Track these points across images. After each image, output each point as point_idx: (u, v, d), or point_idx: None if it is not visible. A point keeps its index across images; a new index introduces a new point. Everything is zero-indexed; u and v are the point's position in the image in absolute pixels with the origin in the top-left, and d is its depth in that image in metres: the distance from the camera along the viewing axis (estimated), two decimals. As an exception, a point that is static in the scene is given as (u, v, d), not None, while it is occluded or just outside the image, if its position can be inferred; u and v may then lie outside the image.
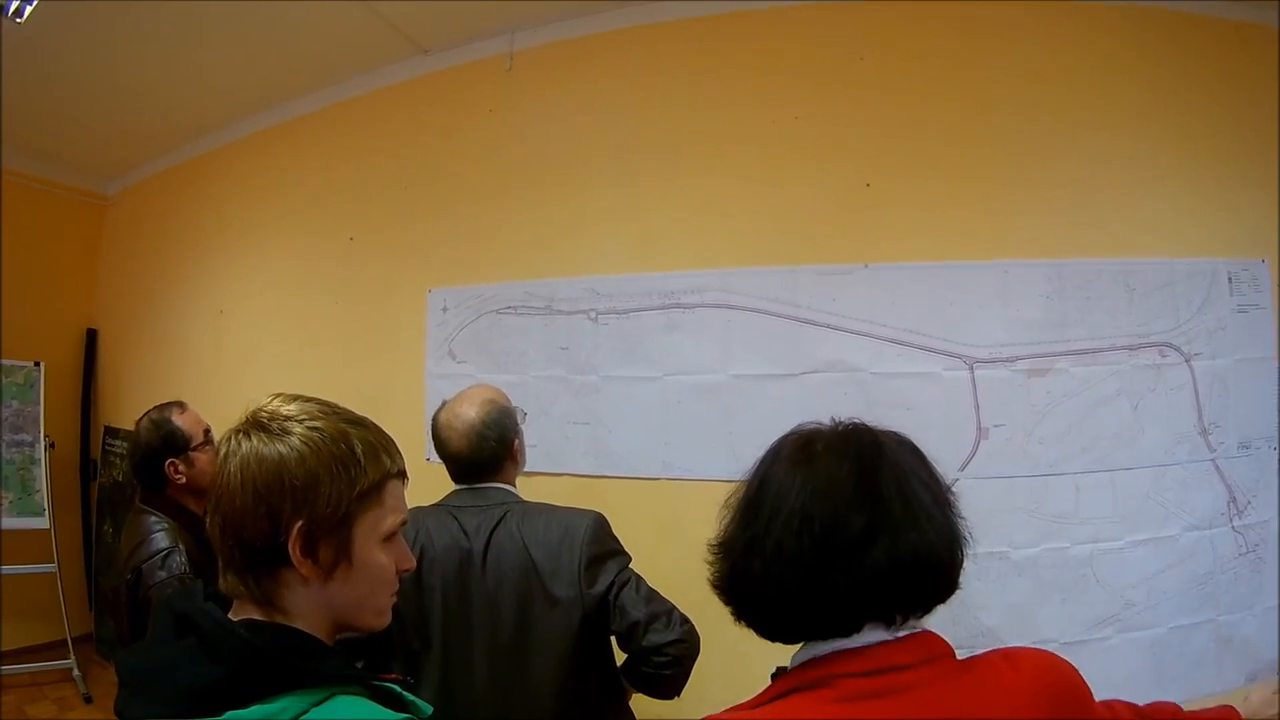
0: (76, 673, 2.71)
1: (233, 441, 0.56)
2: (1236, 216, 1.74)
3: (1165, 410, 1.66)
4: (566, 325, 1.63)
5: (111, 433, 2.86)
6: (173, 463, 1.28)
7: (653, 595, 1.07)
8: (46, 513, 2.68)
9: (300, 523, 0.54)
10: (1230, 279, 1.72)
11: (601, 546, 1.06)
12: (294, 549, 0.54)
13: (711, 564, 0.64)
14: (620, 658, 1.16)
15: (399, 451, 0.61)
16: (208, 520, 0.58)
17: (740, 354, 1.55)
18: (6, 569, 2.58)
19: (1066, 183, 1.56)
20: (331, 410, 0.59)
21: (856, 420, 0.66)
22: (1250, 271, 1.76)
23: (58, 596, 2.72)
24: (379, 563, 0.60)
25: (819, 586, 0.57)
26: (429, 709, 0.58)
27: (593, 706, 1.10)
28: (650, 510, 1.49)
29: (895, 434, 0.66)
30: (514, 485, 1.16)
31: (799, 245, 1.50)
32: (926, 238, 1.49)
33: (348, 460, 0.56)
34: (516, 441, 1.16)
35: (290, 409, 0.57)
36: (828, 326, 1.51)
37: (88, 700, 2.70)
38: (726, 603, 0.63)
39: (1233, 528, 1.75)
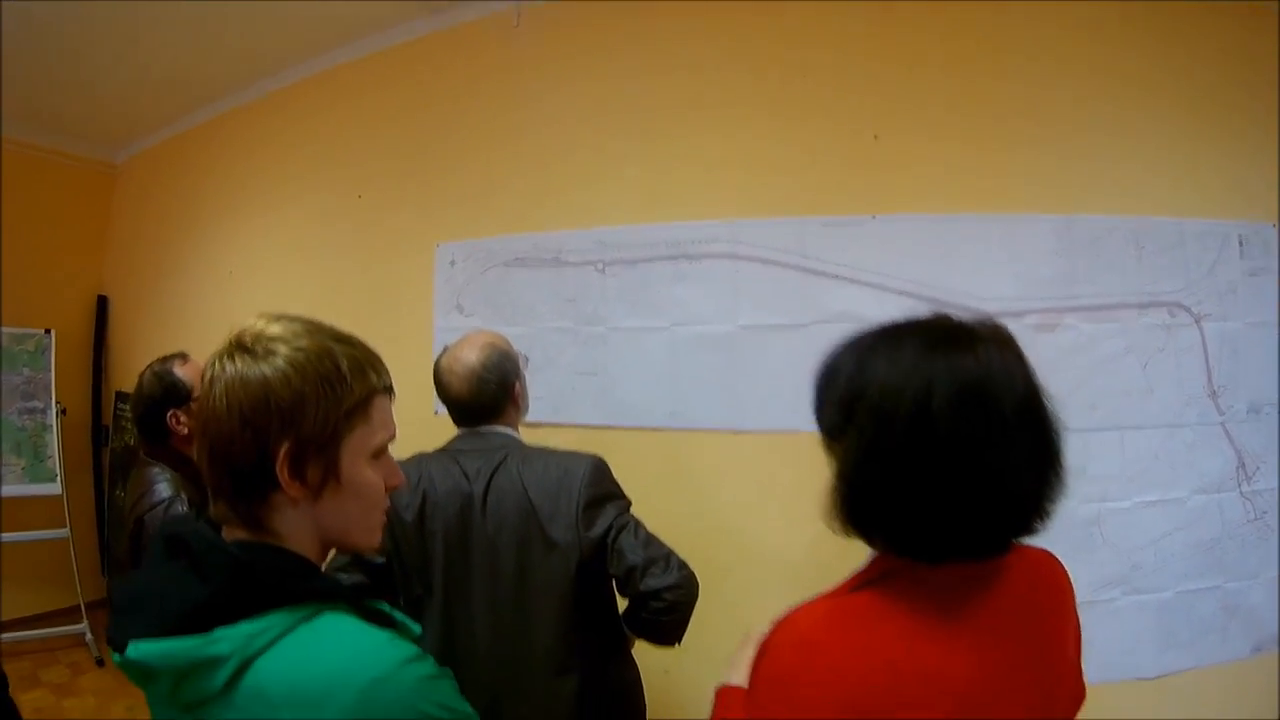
0: (89, 636, 2.75)
1: (217, 365, 0.55)
2: (1245, 179, 1.73)
3: (1174, 371, 1.65)
4: (574, 277, 1.64)
5: (123, 398, 2.89)
6: (174, 413, 1.30)
7: (651, 540, 1.06)
8: (59, 479, 2.71)
9: (287, 444, 0.54)
10: (1241, 241, 1.71)
11: (600, 489, 1.06)
12: (281, 471, 0.54)
13: (853, 484, 0.59)
14: (623, 606, 1.15)
15: (385, 368, 0.61)
16: (195, 448, 0.58)
17: (748, 305, 1.55)
18: (19, 535, 2.61)
19: (1076, 139, 1.56)
20: (317, 328, 0.59)
21: (989, 318, 0.63)
22: (1260, 235, 1.75)
23: (70, 562, 2.76)
24: (368, 481, 0.59)
25: (996, 494, 0.55)
26: (417, 628, 0.59)
27: (593, 651, 1.10)
28: (656, 459, 1.49)
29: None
30: (516, 429, 1.17)
31: (807, 197, 1.51)
32: (934, 190, 1.50)
33: (333, 378, 0.56)
34: (518, 385, 1.17)
35: (275, 329, 0.56)
36: (835, 277, 1.51)
37: (100, 664, 2.74)
38: (872, 524, 0.59)
39: (1241, 493, 1.75)
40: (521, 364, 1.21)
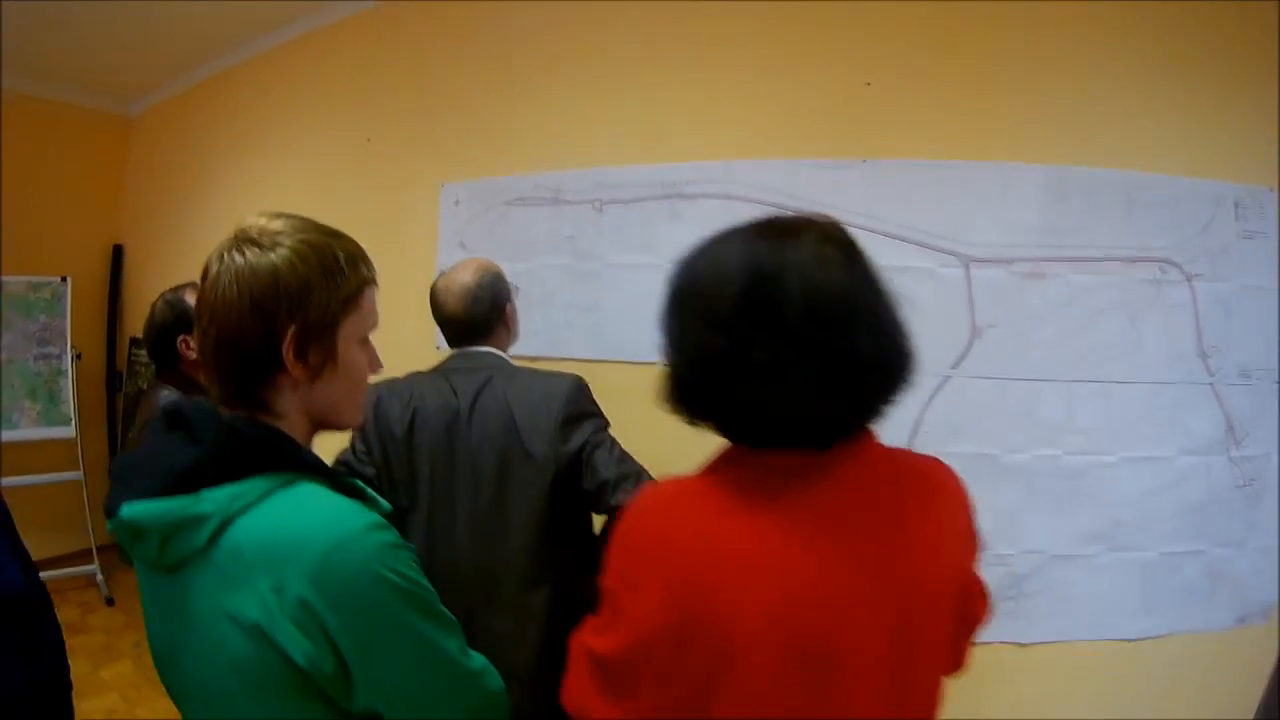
0: (99, 577, 2.84)
1: (226, 258, 0.59)
2: (1243, 142, 1.72)
3: (1164, 327, 1.66)
4: (572, 215, 1.68)
5: (137, 344, 3.00)
6: (184, 339, 1.36)
7: (625, 457, 1.09)
8: (73, 422, 2.81)
9: (294, 328, 0.59)
10: (1236, 204, 1.71)
11: (578, 407, 1.10)
12: (288, 353, 0.59)
13: (677, 369, 0.61)
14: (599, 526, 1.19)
15: (371, 261, 0.66)
16: (198, 335, 0.61)
17: None
18: (33, 479, 2.71)
19: (1070, 90, 1.58)
20: (314, 225, 0.63)
21: (827, 216, 0.65)
22: (1256, 198, 1.74)
23: (83, 505, 2.85)
24: (358, 363, 0.65)
25: (818, 380, 0.55)
26: (387, 506, 0.64)
27: (566, 565, 1.12)
28: (648, 393, 1.53)
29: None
30: (505, 351, 1.21)
31: (800, 140, 1.54)
32: (926, 136, 1.52)
33: (334, 268, 0.61)
34: (509, 307, 1.22)
35: (277, 225, 0.61)
36: None
37: (110, 603, 2.83)
38: (692, 410, 0.62)
39: (1229, 457, 1.75)
40: (513, 293, 1.26)
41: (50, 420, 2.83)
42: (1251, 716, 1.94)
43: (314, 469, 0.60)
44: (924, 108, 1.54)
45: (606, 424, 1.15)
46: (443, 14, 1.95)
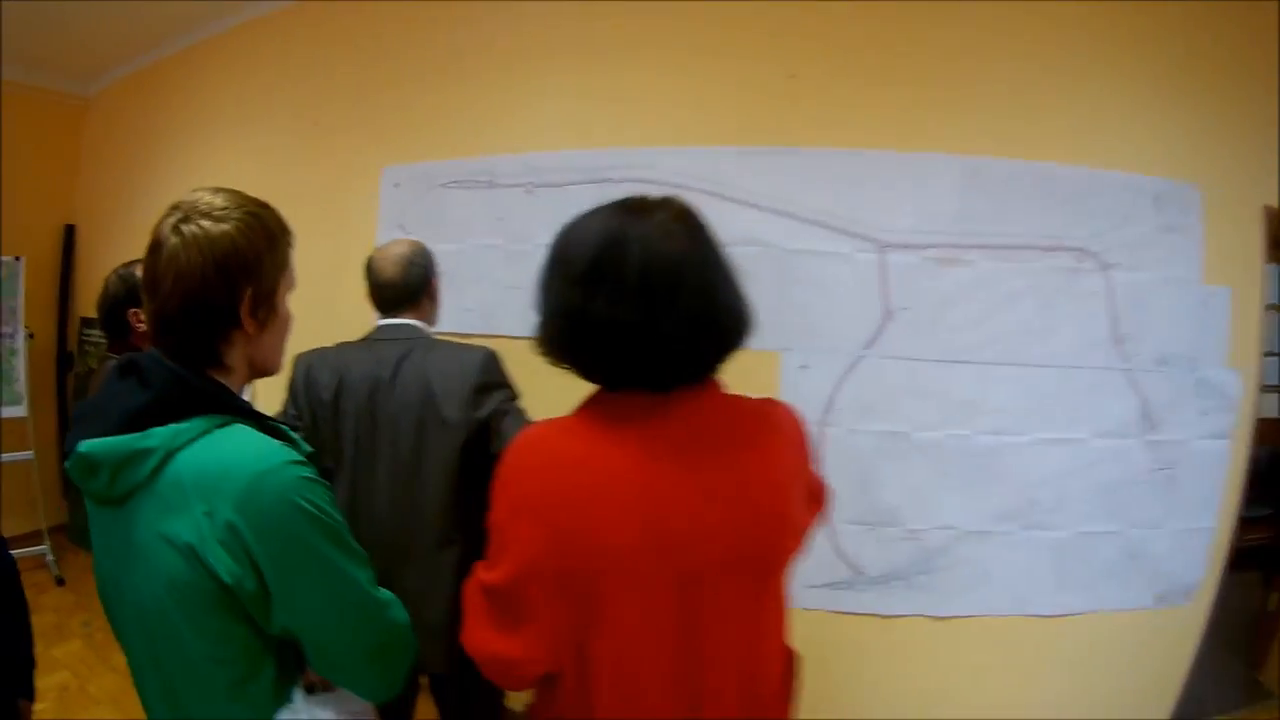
0: (50, 557, 2.91)
1: (182, 230, 0.66)
2: (1167, 138, 1.81)
3: (1077, 314, 1.75)
4: (505, 198, 1.77)
5: (88, 323, 3.05)
6: (135, 312, 1.43)
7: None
8: (25, 401, 2.87)
9: (250, 289, 0.68)
10: (1156, 198, 1.80)
11: (490, 377, 1.20)
12: (245, 311, 0.68)
13: (546, 323, 0.72)
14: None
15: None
16: (156, 301, 0.68)
17: None
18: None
19: (990, 84, 1.66)
20: (247, 197, 0.72)
21: (676, 196, 0.76)
22: (1180, 194, 1.83)
23: (32, 486, 2.92)
24: (289, 314, 0.76)
25: (661, 333, 0.66)
26: (309, 449, 0.72)
27: (475, 526, 1.19)
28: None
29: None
30: (428, 325, 1.31)
31: (723, 129, 1.62)
32: (846, 127, 1.61)
33: (275, 236, 0.71)
34: (435, 282, 1.32)
35: (219, 200, 0.69)
36: (746, 204, 1.63)
37: (60, 583, 2.90)
38: (558, 355, 0.72)
39: (1145, 441, 1.85)
40: (439, 282, 1.35)
41: (2, 400, 2.89)
42: (1175, 694, 2.08)
43: (246, 413, 0.69)
44: (845, 100, 1.62)
45: (516, 394, 1.24)
46: (388, 3, 2.02)
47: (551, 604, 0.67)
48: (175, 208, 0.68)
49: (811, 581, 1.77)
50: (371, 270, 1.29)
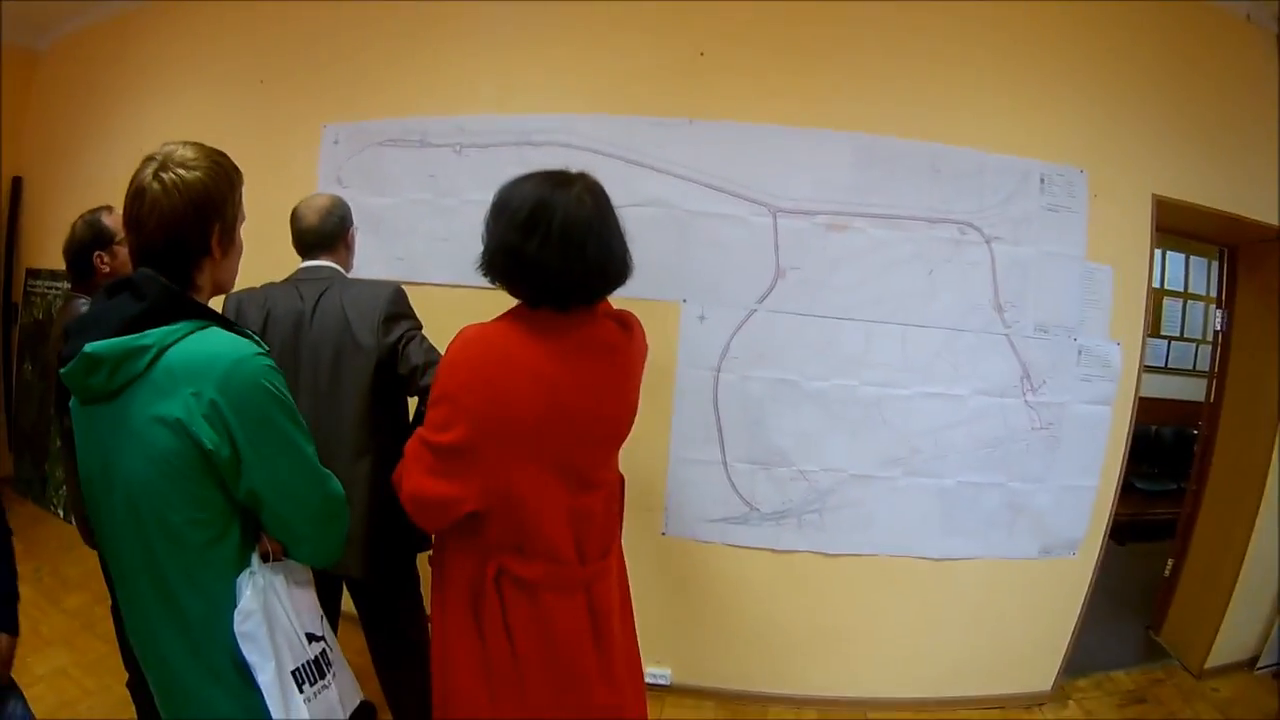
0: (-2, 507, 3.09)
1: (163, 176, 0.84)
2: (1055, 124, 2.05)
3: (960, 281, 1.98)
4: (435, 156, 1.97)
5: (34, 274, 3.17)
6: (99, 254, 1.60)
7: (433, 349, 1.38)
8: (-32, 350, 3.05)
9: (219, 225, 0.87)
10: (1043, 179, 2.04)
11: (397, 308, 1.41)
12: (215, 243, 0.88)
13: (490, 253, 1.03)
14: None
15: None
16: (139, 238, 0.86)
17: None
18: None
19: (888, 68, 1.90)
20: (208, 148, 0.90)
21: (588, 174, 1.06)
22: (1066, 177, 2.08)
23: (-23, 437, 3.09)
24: (240, 244, 0.95)
25: (570, 272, 0.99)
26: (265, 346, 0.91)
27: (386, 438, 1.40)
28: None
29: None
30: (345, 269, 1.53)
31: (636, 100, 1.85)
32: (749, 102, 1.83)
33: (234, 179, 0.91)
34: (351, 231, 1.55)
35: (189, 152, 0.87)
36: (653, 169, 1.86)
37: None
38: (495, 277, 1.04)
39: (1025, 401, 2.13)
40: (354, 228, 1.58)
41: (-55, 350, 3.05)
42: (1066, 642, 2.34)
43: (219, 320, 0.88)
44: (749, 77, 1.85)
45: (419, 325, 1.46)
46: None
47: (487, 456, 0.99)
48: (151, 158, 0.86)
49: (709, 515, 2.05)
50: (295, 217, 1.51)
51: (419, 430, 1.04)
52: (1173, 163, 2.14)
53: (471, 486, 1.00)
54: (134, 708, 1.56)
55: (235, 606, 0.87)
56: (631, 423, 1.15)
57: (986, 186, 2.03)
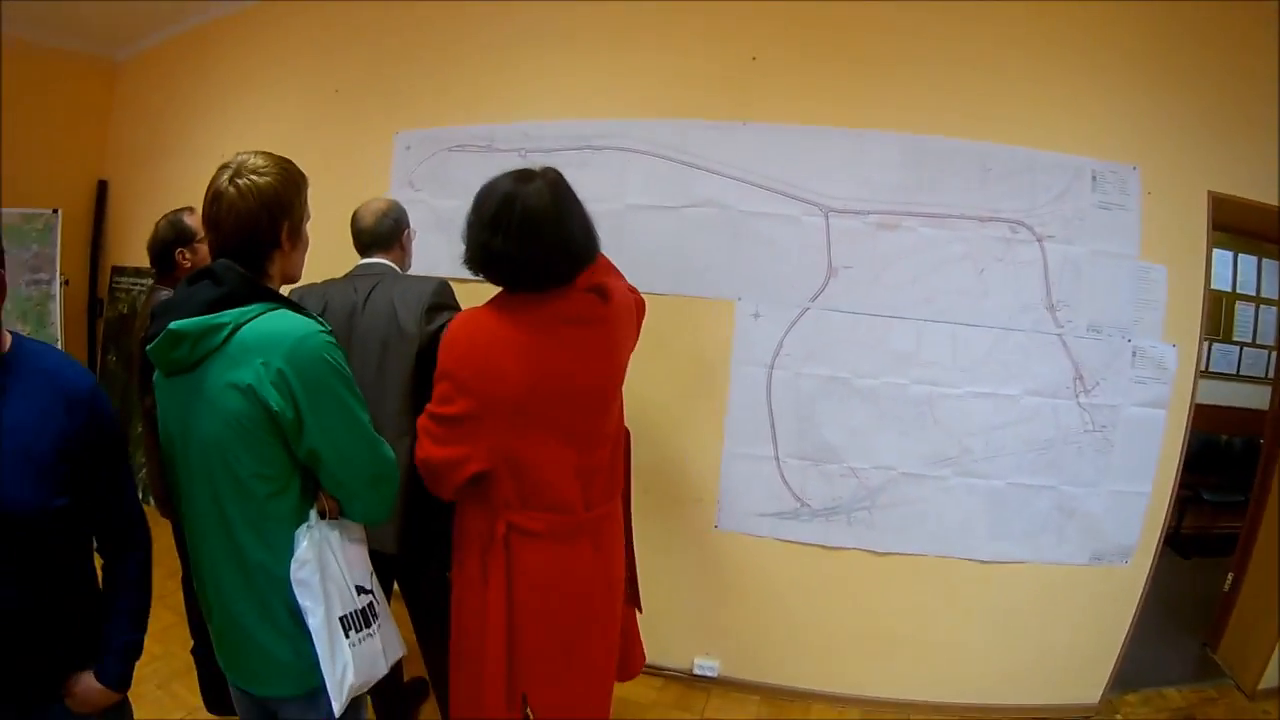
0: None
1: (238, 182, 0.99)
2: (1106, 120, 2.07)
3: (1012, 280, 2.03)
4: (501, 161, 2.02)
5: (119, 271, 3.47)
6: (181, 251, 1.80)
7: None
8: (59, 343, 3.33)
9: (287, 222, 1.03)
10: (1095, 177, 2.07)
11: (440, 299, 1.54)
12: (284, 237, 1.03)
13: (469, 250, 1.19)
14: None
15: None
16: (217, 236, 1.01)
17: (634, 188, 2.04)
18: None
19: (936, 68, 1.97)
20: (276, 156, 1.05)
21: (553, 168, 1.20)
22: (1118, 174, 2.10)
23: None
24: (307, 239, 1.11)
25: (533, 258, 1.13)
26: (329, 325, 1.05)
27: None
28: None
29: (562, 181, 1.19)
30: (399, 267, 1.68)
31: (690, 104, 1.98)
32: (800, 105, 1.93)
33: (300, 182, 1.06)
34: (406, 233, 1.70)
35: (260, 160, 1.02)
36: (708, 171, 1.98)
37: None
38: (477, 271, 1.19)
39: (1078, 403, 2.14)
40: (411, 232, 1.74)
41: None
42: (1115, 654, 2.33)
43: (287, 303, 1.03)
44: (800, 80, 1.95)
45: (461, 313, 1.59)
46: None
47: (487, 422, 1.14)
48: (226, 166, 1.01)
49: (761, 510, 2.13)
50: (354, 219, 1.68)
51: (427, 406, 1.20)
52: (1229, 158, 2.12)
53: (475, 448, 1.15)
54: (195, 671, 1.70)
55: (293, 555, 0.99)
56: (619, 382, 1.31)
57: (1038, 184, 2.07)
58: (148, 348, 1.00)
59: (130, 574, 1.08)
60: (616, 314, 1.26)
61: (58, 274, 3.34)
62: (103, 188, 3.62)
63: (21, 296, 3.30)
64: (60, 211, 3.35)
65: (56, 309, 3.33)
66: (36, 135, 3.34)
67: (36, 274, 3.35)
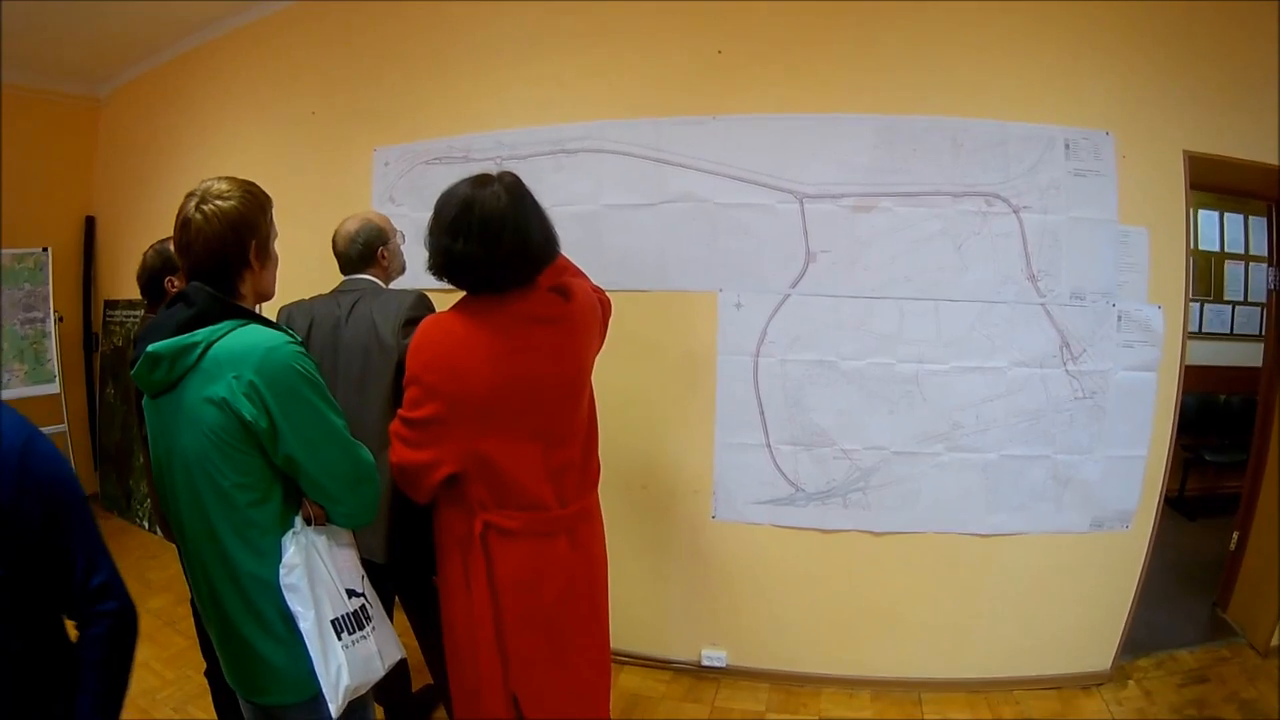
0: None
1: (204, 208, 1.05)
2: (1077, 88, 2.11)
3: (990, 253, 2.07)
4: (478, 170, 2.17)
5: (111, 305, 3.54)
6: (170, 279, 1.86)
7: None
8: (57, 379, 3.41)
9: (254, 242, 1.08)
10: (1068, 145, 2.10)
11: (417, 312, 1.58)
12: (253, 257, 1.08)
13: (432, 256, 1.22)
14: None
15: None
16: (188, 260, 1.06)
17: (611, 188, 2.10)
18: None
19: (901, 48, 2.01)
20: (240, 180, 1.10)
21: (510, 172, 1.26)
22: (1091, 141, 2.13)
23: (68, 457, 3.44)
24: (276, 256, 1.16)
25: (494, 260, 1.17)
26: (299, 337, 1.11)
27: None
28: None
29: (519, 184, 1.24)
30: (381, 280, 1.74)
31: (661, 102, 2.03)
32: (768, 95, 1.99)
33: (264, 203, 1.11)
34: (382, 249, 1.74)
35: (224, 185, 1.08)
36: (682, 166, 2.03)
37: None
38: (440, 276, 1.23)
39: (1066, 371, 2.17)
40: (398, 239, 1.79)
41: (36, 379, 3.39)
42: (1123, 619, 2.35)
43: (257, 318, 1.09)
44: (768, 70, 2.01)
45: None
46: (376, 4, 2.46)
47: (457, 424, 1.18)
48: (192, 194, 1.07)
49: (757, 498, 2.18)
50: (333, 240, 1.75)
51: (398, 411, 1.24)
52: (1204, 117, 2.15)
53: (446, 451, 1.19)
54: (210, 694, 1.76)
55: (281, 562, 1.04)
56: (586, 379, 1.35)
57: (1011, 156, 2.10)
58: (131, 372, 1.06)
59: (92, 654, 0.92)
60: (579, 312, 1.31)
61: (51, 311, 3.41)
62: (91, 224, 3.71)
63: (17, 335, 3.37)
64: (50, 250, 3.43)
65: (52, 346, 3.41)
66: (24, 176, 3.42)
67: (30, 312, 3.43)
